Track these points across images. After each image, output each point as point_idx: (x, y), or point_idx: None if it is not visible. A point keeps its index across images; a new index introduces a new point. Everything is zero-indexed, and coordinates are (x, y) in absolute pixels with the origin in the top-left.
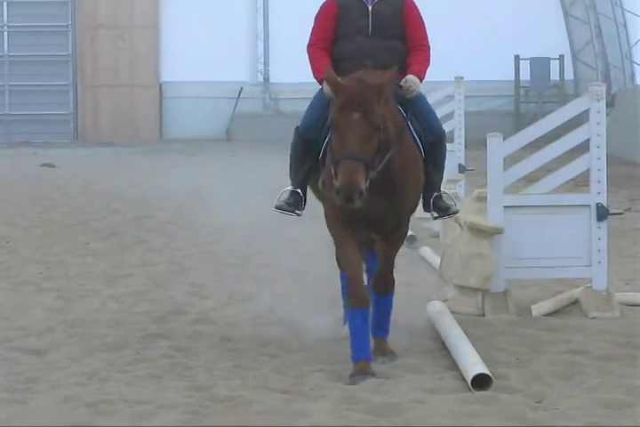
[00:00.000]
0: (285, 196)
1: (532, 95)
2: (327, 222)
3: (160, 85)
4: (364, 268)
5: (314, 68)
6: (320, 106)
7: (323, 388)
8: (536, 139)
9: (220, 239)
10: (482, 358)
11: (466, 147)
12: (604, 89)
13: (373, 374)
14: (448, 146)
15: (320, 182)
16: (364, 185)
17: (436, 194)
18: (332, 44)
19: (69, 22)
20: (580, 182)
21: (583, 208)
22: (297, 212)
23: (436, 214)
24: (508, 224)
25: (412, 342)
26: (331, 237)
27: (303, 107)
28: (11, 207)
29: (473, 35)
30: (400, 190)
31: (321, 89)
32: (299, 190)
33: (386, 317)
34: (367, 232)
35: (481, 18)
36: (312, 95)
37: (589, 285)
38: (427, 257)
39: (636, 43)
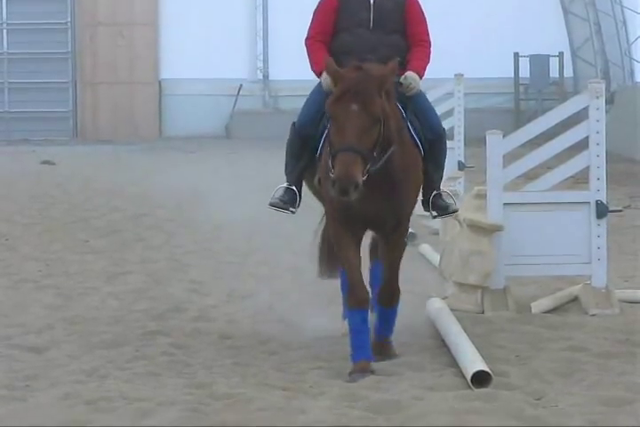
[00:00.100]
0: (280, 193)
1: (532, 92)
2: (327, 222)
3: (159, 83)
4: (369, 282)
5: (312, 60)
6: (317, 101)
7: (322, 385)
8: (535, 136)
9: (219, 237)
10: (481, 355)
11: (465, 144)
12: (603, 86)
13: (373, 372)
14: (448, 143)
15: (316, 180)
16: (360, 178)
17: (435, 193)
18: (331, 37)
19: (69, 20)
20: (580, 180)
21: (583, 205)
22: (291, 209)
23: (435, 213)
24: (508, 221)
25: (412, 339)
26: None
27: (302, 104)
28: (10, 204)
29: (472, 32)
30: (399, 189)
31: (319, 84)
32: (294, 187)
33: (389, 326)
34: (364, 231)
35: (481, 15)
36: None
37: (589, 282)
38: (426, 254)
39: (636, 40)
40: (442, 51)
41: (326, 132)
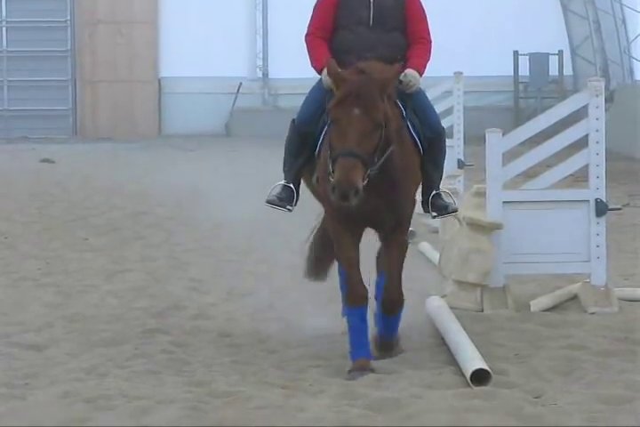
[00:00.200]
0: (277, 190)
1: (531, 91)
2: (326, 220)
3: (159, 81)
4: (374, 295)
5: (312, 57)
6: (317, 98)
7: (322, 383)
8: (535, 134)
9: (219, 235)
10: (480, 353)
11: (465, 142)
12: (602, 84)
13: (372, 370)
14: (447, 141)
15: (314, 178)
16: (360, 183)
17: (434, 192)
18: (331, 33)
19: (68, 18)
20: (579, 178)
21: (582, 204)
22: (288, 207)
23: (434, 213)
24: (507, 220)
25: (411, 337)
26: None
27: (302, 102)
28: (10, 203)
29: (472, 30)
30: (398, 187)
31: (319, 81)
32: (291, 185)
33: (392, 330)
34: (364, 229)
35: (480, 13)
36: None
37: (588, 280)
38: (426, 252)
39: (635, 38)
40: (441, 49)
41: (325, 128)
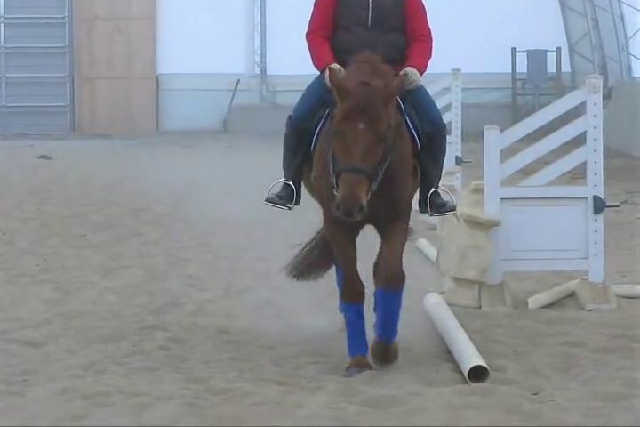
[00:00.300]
0: (277, 188)
1: (529, 88)
2: (324, 220)
3: (157, 77)
4: (373, 308)
5: (314, 56)
6: (315, 94)
7: (319, 380)
8: (533, 131)
9: (216, 232)
10: (478, 350)
11: (463, 139)
12: (600, 81)
13: (370, 367)
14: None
15: (312, 176)
16: (365, 200)
17: (433, 190)
18: (332, 31)
19: (66, 14)
20: (577, 175)
21: (580, 200)
22: (288, 205)
23: (433, 211)
24: (505, 216)
25: (409, 334)
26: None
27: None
28: (7, 199)
29: (470, 27)
30: (396, 183)
31: (317, 77)
32: (291, 183)
33: (391, 318)
34: (362, 226)
35: (478, 10)
36: None
37: (586, 277)
38: (423, 249)
39: (633, 35)
40: (439, 46)
41: (321, 124)
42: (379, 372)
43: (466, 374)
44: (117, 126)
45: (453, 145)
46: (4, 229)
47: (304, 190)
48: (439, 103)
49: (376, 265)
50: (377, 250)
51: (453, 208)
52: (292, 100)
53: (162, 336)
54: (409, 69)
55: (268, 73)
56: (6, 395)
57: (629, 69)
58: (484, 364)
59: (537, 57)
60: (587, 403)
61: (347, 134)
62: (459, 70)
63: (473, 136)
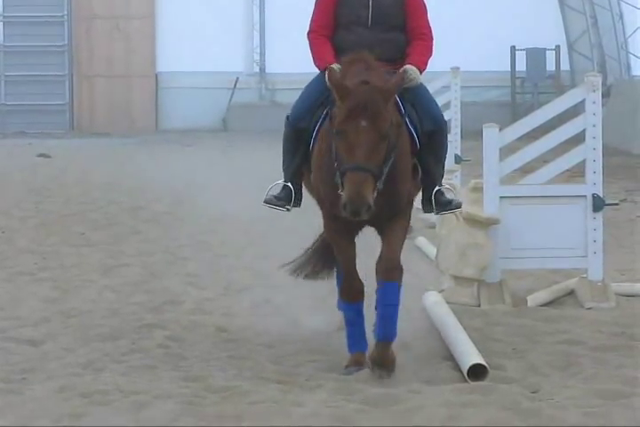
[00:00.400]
0: (275, 190)
1: (528, 86)
2: (323, 220)
3: (156, 76)
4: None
5: (316, 55)
6: (313, 93)
7: (318, 378)
8: (532, 129)
9: (215, 230)
10: (477, 348)
11: (462, 137)
12: (599, 80)
13: (369, 365)
14: None
15: (312, 177)
16: (372, 199)
17: (437, 189)
18: (333, 31)
19: (65, 12)
20: (576, 173)
21: (579, 199)
22: (287, 207)
23: (437, 210)
24: (504, 215)
25: (408, 332)
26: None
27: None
28: (6, 198)
29: (469, 25)
30: (396, 182)
31: (316, 76)
32: (289, 184)
33: (390, 316)
34: (362, 225)
35: (478, 8)
36: None
37: (585, 275)
38: (423, 247)
39: (632, 33)
40: (438, 44)
41: (319, 124)
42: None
43: (465, 372)
44: (116, 125)
45: (452, 143)
46: (2, 228)
47: (305, 192)
48: (438, 101)
49: (377, 264)
50: (377, 250)
51: (459, 206)
52: (291, 98)
53: (161, 334)
54: (408, 67)
55: (267, 71)
56: (5, 393)
57: (628, 68)
58: (483, 362)
59: (536, 55)
60: (586, 401)
61: (350, 133)
62: (458, 68)
63: (472, 134)
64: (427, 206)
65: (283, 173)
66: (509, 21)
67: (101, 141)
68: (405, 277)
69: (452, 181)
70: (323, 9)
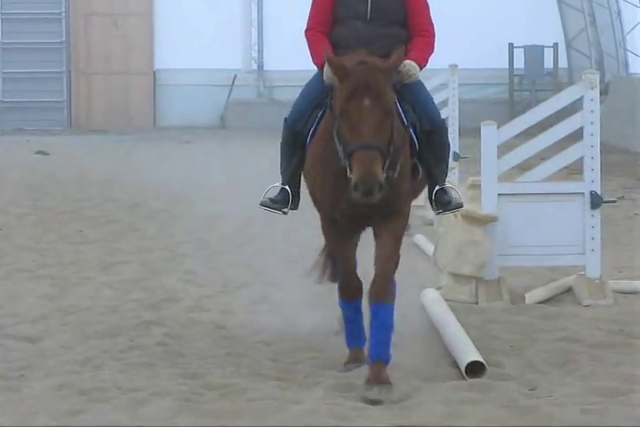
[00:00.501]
0: (272, 192)
1: (526, 83)
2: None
3: (154, 73)
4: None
5: (313, 53)
6: (310, 95)
7: (317, 375)
8: (530, 127)
9: (213, 227)
10: (476, 345)
11: (460, 135)
12: (597, 77)
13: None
14: None
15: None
16: (382, 177)
17: (438, 188)
18: (331, 27)
19: (63, 9)
20: (574, 170)
21: (577, 196)
22: (284, 210)
23: (439, 209)
24: (502, 212)
25: (406, 329)
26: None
27: (297, 95)
28: (4, 195)
29: (467, 22)
30: (393, 182)
31: (313, 77)
32: (286, 187)
33: (384, 335)
34: (361, 224)
35: (475, 5)
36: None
37: (583, 272)
38: (421, 245)
39: (630, 31)
40: (436, 41)
41: (314, 126)
42: None
43: (463, 369)
44: (114, 122)
45: (450, 141)
46: (0, 225)
47: (305, 193)
48: (436, 99)
49: (371, 286)
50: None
51: (459, 206)
52: (289, 95)
53: (159, 332)
54: (408, 62)
55: (265, 68)
56: (3, 390)
57: (626, 65)
58: (481, 359)
59: (534, 53)
60: (584, 398)
61: (353, 113)
62: (456, 66)
63: (470, 132)
64: (431, 205)
65: (280, 176)
66: (507, 19)
67: (99, 138)
68: (403, 275)
69: (450, 179)
70: (320, 6)
